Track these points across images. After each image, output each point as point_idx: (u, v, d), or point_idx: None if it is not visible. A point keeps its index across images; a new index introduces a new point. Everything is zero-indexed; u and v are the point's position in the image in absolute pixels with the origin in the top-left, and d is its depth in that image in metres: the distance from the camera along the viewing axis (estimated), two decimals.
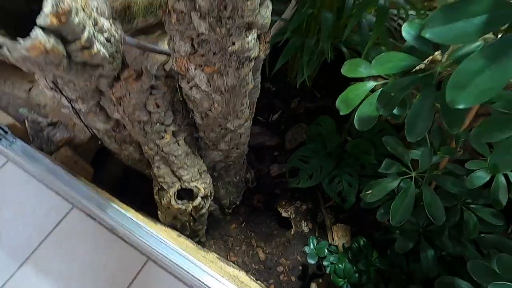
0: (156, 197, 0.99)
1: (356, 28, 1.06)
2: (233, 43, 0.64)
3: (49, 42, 0.41)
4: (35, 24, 0.41)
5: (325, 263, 0.99)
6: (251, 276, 0.88)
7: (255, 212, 1.38)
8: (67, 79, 0.68)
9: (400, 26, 1.03)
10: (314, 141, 1.30)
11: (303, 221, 1.32)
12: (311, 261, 0.99)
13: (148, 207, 1.07)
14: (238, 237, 1.33)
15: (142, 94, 0.74)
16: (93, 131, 0.89)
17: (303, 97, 1.56)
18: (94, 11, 0.49)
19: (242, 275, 0.81)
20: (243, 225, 1.35)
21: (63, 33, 0.44)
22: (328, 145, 1.26)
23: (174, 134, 0.85)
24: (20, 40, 0.40)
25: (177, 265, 0.75)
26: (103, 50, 0.52)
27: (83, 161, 1.05)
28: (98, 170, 1.16)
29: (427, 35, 0.40)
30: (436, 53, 0.54)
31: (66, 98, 0.75)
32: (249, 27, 0.64)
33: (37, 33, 0.40)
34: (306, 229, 1.31)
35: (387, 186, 0.77)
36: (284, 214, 1.34)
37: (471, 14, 0.37)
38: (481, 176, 0.69)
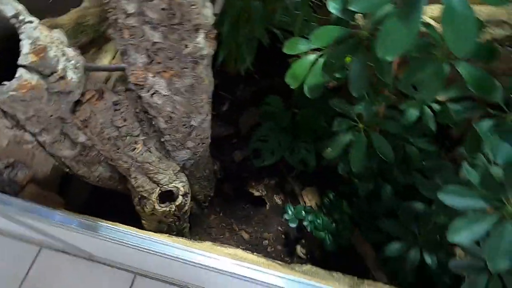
0: (138, 207, 1.02)
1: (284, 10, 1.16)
2: (186, 46, 0.70)
3: (34, 78, 0.45)
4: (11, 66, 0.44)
5: (305, 223, 1.11)
6: (247, 251, 0.96)
7: (230, 199, 1.45)
8: (31, 114, 0.69)
9: (320, 1, 1.16)
10: (267, 120, 1.40)
11: (274, 195, 1.43)
12: (293, 225, 1.10)
13: (126, 221, 1.09)
14: (220, 226, 1.40)
15: (107, 112, 0.77)
16: (60, 160, 0.89)
17: (247, 83, 1.65)
18: (59, 42, 0.53)
19: (238, 251, 0.89)
20: (221, 214, 1.42)
21: (41, 68, 0.47)
22: (280, 120, 1.37)
23: (144, 143, 0.88)
24: (6, 82, 0.43)
25: (179, 258, 0.81)
26: (74, 77, 0.56)
27: (52, 193, 1.04)
28: (68, 198, 1.15)
29: (352, 7, 0.50)
30: (360, 22, 0.66)
31: (30, 133, 0.75)
32: (197, 28, 0.70)
33: (21, 72, 0.43)
34: (279, 202, 1.42)
35: (342, 141, 0.89)
36: (256, 194, 1.43)
37: None
38: (413, 113, 0.83)
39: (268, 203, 1.41)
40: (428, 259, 0.91)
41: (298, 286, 0.76)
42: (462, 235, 0.61)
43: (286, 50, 0.81)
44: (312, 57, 0.78)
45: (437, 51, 0.64)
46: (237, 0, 1.07)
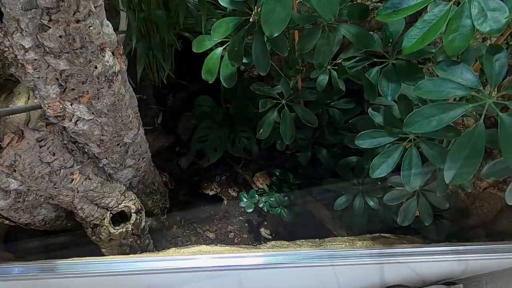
0: (93, 237, 1.00)
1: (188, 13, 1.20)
2: (95, 67, 0.71)
3: None
4: None
5: (260, 205, 1.17)
6: (212, 245, 1.00)
7: (187, 206, 1.47)
8: None
9: None
10: (203, 120, 1.43)
11: (229, 189, 1.48)
12: (249, 210, 1.16)
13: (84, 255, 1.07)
14: (184, 233, 1.42)
15: (33, 151, 0.76)
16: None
17: (176, 90, 1.67)
18: None
19: (203, 247, 0.93)
20: (182, 222, 1.44)
21: None
22: (215, 117, 1.41)
23: (81, 172, 0.88)
24: None
25: (147, 270, 0.83)
26: None
27: None
28: (15, 251, 1.10)
29: None
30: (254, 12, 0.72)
31: None
32: (102, 48, 0.72)
33: None
34: (234, 194, 1.47)
35: (270, 119, 0.96)
36: (211, 193, 1.47)
37: None
38: (322, 78, 0.92)
39: (225, 199, 1.46)
40: (371, 202, 1.01)
41: (264, 260, 0.81)
42: (381, 170, 0.71)
43: (195, 49, 0.85)
44: (219, 50, 0.83)
45: (323, 20, 0.72)
46: (140, 12, 1.09)
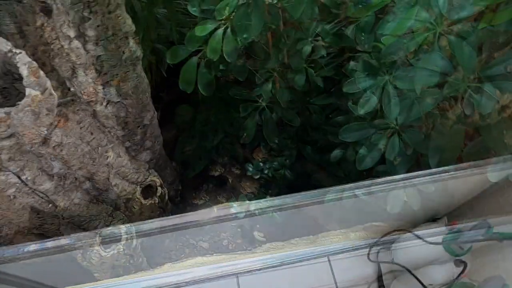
0: (126, 214, 1.03)
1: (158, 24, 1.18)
2: (123, 52, 0.76)
3: (38, 93, 0.57)
4: None
5: (265, 171, 1.17)
6: (207, 255, 0.99)
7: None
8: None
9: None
10: (184, 130, 1.42)
11: (217, 197, 1.47)
12: (256, 176, 1.18)
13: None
14: (177, 246, 1.39)
15: (76, 131, 0.80)
16: (44, 196, 0.85)
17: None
18: None
19: (198, 258, 0.92)
20: (174, 236, 1.42)
21: (38, 85, 0.58)
22: (197, 126, 1.40)
23: (113, 150, 0.91)
24: (18, 102, 0.55)
25: None
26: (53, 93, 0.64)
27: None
28: None
29: (205, 7, 0.56)
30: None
31: (13, 174, 0.76)
32: (126, 36, 0.76)
33: (29, 90, 0.56)
34: (223, 201, 1.46)
35: (252, 123, 0.96)
36: (200, 202, 1.46)
37: None
38: (300, 77, 0.93)
39: (215, 206, 1.44)
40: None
41: (261, 263, 0.81)
42: (367, 161, 0.72)
43: (169, 60, 0.85)
44: (194, 59, 0.83)
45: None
46: None
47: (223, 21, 0.77)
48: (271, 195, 1.20)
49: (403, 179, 0.77)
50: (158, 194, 1.03)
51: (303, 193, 0.73)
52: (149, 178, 1.03)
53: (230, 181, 1.47)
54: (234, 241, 1.36)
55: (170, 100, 1.64)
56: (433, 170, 0.73)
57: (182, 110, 1.42)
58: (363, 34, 0.72)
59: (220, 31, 0.75)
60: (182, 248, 1.39)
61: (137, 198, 0.99)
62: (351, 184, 0.72)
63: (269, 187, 1.19)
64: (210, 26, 0.73)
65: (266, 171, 1.15)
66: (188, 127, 1.41)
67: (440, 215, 0.96)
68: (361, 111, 0.71)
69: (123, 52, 0.74)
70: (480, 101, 0.56)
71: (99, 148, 0.86)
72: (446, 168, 0.70)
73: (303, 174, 1.24)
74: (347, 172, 1.09)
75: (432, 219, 0.95)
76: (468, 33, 0.52)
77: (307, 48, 0.89)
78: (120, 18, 0.69)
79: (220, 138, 1.40)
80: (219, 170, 1.45)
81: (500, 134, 0.63)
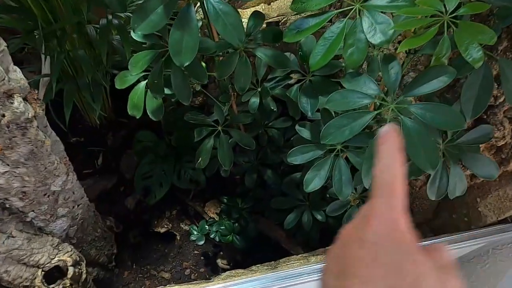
0: None
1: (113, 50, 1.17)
2: (3, 115, 0.67)
3: None
4: None
5: (211, 235, 1.13)
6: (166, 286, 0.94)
7: (138, 248, 1.39)
8: None
9: None
10: (145, 156, 1.39)
11: (180, 224, 1.42)
12: (201, 242, 1.12)
13: None
14: (137, 278, 1.33)
15: None
16: None
17: (114, 129, 1.61)
18: None
19: None
20: (134, 266, 1.35)
21: None
22: (158, 151, 1.37)
23: (0, 230, 0.80)
24: None
25: None
26: None
27: None
28: None
29: (136, 32, 0.55)
30: None
31: None
32: (9, 95, 0.68)
33: None
34: (187, 228, 1.41)
35: (207, 147, 0.95)
36: (163, 230, 1.40)
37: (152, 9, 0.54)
38: (254, 101, 0.93)
39: (178, 234, 1.40)
40: (318, 216, 1.02)
41: None
42: (314, 183, 0.72)
43: (117, 85, 0.83)
44: (142, 84, 0.81)
45: (239, 46, 0.73)
46: (60, 53, 1.05)
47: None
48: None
49: None
50: (69, 275, 0.90)
51: None
52: (56, 258, 0.89)
53: (193, 207, 1.43)
54: (197, 270, 1.32)
55: (134, 126, 1.61)
56: None
57: (141, 135, 1.39)
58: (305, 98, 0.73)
59: (142, 84, 0.74)
60: (142, 279, 1.32)
61: (37, 285, 0.86)
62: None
63: (230, 214, 1.16)
64: (130, 78, 0.72)
65: (212, 235, 1.12)
66: (148, 153, 1.38)
67: None
68: (307, 189, 0.72)
69: (3, 116, 0.64)
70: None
71: None
72: None
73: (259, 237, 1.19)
74: (306, 196, 1.08)
75: None
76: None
77: (255, 101, 0.90)
78: None
79: (182, 163, 1.38)
80: (165, 226, 1.40)
81: None
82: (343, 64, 0.70)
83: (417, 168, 0.54)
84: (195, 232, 1.14)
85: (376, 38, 0.49)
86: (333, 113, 0.72)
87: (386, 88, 0.56)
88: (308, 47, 0.73)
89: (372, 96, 0.55)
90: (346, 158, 0.75)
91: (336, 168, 0.69)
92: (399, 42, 0.59)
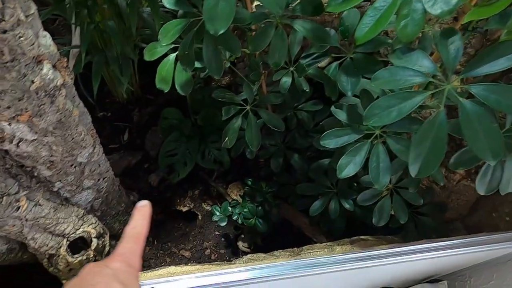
0: (51, 269, 0.92)
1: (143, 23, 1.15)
2: (32, 81, 0.65)
3: None
4: None
5: (234, 217, 1.11)
6: (181, 265, 0.93)
7: (160, 224, 1.40)
8: None
9: None
10: (170, 133, 1.37)
11: (202, 203, 1.41)
12: (223, 224, 1.10)
13: None
14: (158, 254, 1.34)
15: None
16: None
17: (141, 105, 1.60)
18: None
19: (171, 268, 0.86)
20: (155, 242, 1.36)
21: None
22: (183, 130, 1.35)
23: (28, 198, 0.80)
24: None
25: None
26: None
27: None
28: None
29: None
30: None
31: None
32: (38, 61, 0.66)
33: None
34: (209, 208, 1.40)
35: (234, 127, 0.91)
36: (185, 209, 1.40)
37: None
38: (286, 80, 0.88)
39: (199, 214, 1.39)
40: (346, 204, 0.97)
41: (235, 277, 0.76)
42: (349, 169, 0.67)
43: (146, 57, 0.80)
44: (172, 56, 0.78)
45: (274, 18, 0.69)
46: (90, 24, 1.03)
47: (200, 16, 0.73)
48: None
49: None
50: (93, 247, 0.89)
51: None
52: (80, 229, 0.88)
53: (216, 188, 1.42)
54: (217, 250, 1.31)
55: (161, 103, 1.60)
56: None
57: (168, 113, 1.38)
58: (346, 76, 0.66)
59: (172, 57, 0.70)
60: (163, 256, 1.33)
61: (62, 254, 0.86)
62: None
63: (254, 198, 1.14)
64: (160, 50, 0.68)
65: (235, 217, 1.10)
66: (174, 131, 1.36)
67: (438, 277, 0.92)
68: (340, 175, 0.66)
69: (32, 82, 0.61)
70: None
71: (4, 197, 0.73)
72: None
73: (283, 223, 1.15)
74: (334, 183, 1.04)
75: (430, 281, 0.91)
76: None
77: (286, 81, 0.85)
78: (22, 38, 0.55)
79: (207, 143, 1.35)
80: (187, 205, 1.38)
81: None
82: (389, 41, 0.64)
83: (470, 158, 0.48)
84: (218, 213, 1.12)
85: (437, 8, 0.43)
86: (373, 96, 0.66)
87: (441, 67, 0.50)
88: (351, 21, 0.67)
89: (425, 75, 0.49)
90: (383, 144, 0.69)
91: (374, 154, 0.64)
92: (455, 19, 0.53)
